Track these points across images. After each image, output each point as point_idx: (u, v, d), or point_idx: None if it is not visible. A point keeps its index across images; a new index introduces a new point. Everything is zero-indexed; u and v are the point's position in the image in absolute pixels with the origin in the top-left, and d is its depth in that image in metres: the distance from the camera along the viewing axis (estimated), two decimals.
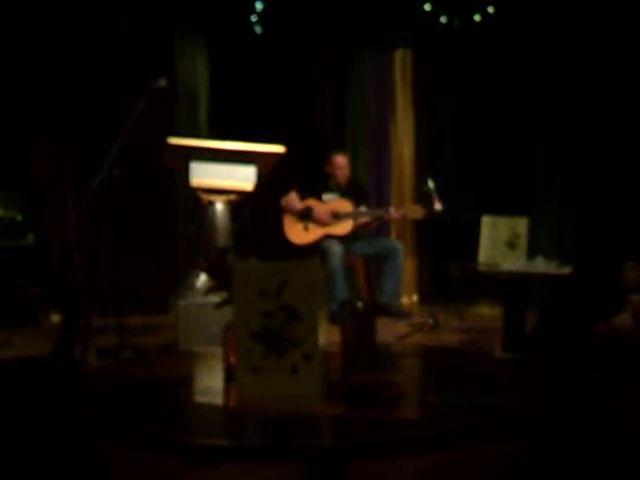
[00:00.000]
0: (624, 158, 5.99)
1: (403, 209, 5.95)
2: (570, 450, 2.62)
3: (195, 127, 6.38)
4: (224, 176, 4.46)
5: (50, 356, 3.48)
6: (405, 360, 2.32)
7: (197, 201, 4.61)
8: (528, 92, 6.44)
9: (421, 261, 7.05)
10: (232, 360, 1.83)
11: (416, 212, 5.81)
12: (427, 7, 6.44)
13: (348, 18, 6.53)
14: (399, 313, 5.74)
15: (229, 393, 1.86)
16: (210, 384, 2.00)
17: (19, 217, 5.78)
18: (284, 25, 6.42)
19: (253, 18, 6.40)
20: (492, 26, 6.47)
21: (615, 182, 6.01)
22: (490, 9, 6.42)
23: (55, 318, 5.72)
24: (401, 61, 7.04)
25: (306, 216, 5.83)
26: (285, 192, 5.89)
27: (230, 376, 1.86)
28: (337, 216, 5.84)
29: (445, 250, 6.04)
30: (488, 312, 5.89)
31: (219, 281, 1.95)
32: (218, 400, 1.86)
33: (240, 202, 4.63)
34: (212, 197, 4.52)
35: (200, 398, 1.90)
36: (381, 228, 6.37)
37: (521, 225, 4.75)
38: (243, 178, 4.46)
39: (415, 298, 6.99)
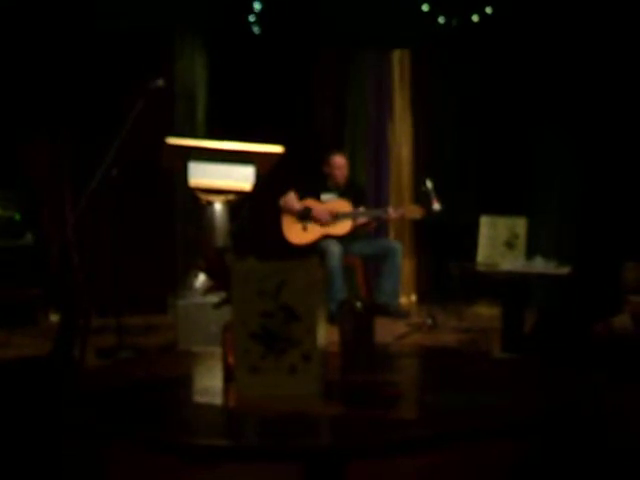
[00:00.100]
0: (624, 158, 5.99)
1: (402, 209, 5.95)
2: (570, 450, 2.62)
3: (193, 127, 6.38)
4: (222, 176, 4.46)
5: (49, 356, 3.48)
6: (404, 360, 2.32)
7: (196, 201, 4.61)
8: (527, 92, 6.44)
9: (420, 261, 7.05)
10: (231, 360, 1.83)
11: (414, 212, 5.81)
12: (425, 7, 6.44)
13: (347, 18, 6.53)
14: (398, 313, 5.75)
15: (228, 393, 1.86)
16: (209, 384, 2.00)
17: (18, 217, 5.78)
18: (283, 25, 6.42)
19: (251, 18, 6.40)
20: (490, 26, 6.47)
21: (615, 182, 6.01)
22: (488, 9, 6.42)
23: (54, 318, 5.71)
24: (399, 61, 7.05)
25: (305, 216, 5.83)
26: (284, 192, 5.89)
27: (229, 376, 1.86)
28: (336, 216, 5.84)
29: (444, 250, 6.04)
30: (487, 312, 5.89)
31: (218, 281, 1.95)
32: (217, 400, 1.86)
33: (239, 202, 4.63)
34: (211, 197, 4.52)
35: (199, 398, 1.91)
36: (380, 228, 6.38)
37: (520, 225, 4.75)
38: (242, 178, 4.46)
39: (414, 298, 6.99)
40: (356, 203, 5.94)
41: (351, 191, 6.03)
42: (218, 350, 1.97)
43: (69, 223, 4.82)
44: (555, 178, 6.51)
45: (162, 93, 4.56)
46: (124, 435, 1.59)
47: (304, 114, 6.82)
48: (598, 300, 4.29)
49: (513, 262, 4.60)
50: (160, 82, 4.43)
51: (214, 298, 1.94)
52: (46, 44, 5.89)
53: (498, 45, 6.51)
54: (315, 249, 5.69)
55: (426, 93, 7.00)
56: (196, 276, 4.51)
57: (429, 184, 5.39)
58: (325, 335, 1.82)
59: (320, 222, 5.81)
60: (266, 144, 4.48)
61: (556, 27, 6.19)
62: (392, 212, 5.86)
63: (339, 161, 6.03)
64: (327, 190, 5.99)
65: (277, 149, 4.49)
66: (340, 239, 5.79)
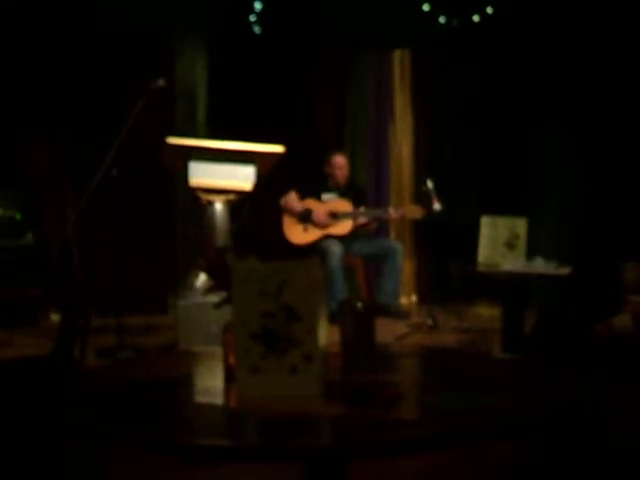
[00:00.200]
0: (624, 158, 5.99)
1: (402, 209, 5.95)
2: (570, 450, 2.62)
3: (194, 127, 6.38)
4: (223, 176, 4.46)
5: (50, 356, 3.48)
6: (404, 360, 2.32)
7: (196, 201, 4.61)
8: (527, 92, 6.44)
9: (420, 261, 7.05)
10: (232, 360, 1.83)
11: (415, 212, 5.82)
12: (426, 7, 6.44)
13: (347, 18, 6.53)
14: (398, 313, 5.75)
15: (229, 393, 1.86)
16: (210, 384, 2.00)
17: (18, 216, 5.78)
18: (283, 25, 6.42)
19: (252, 18, 6.41)
20: (491, 26, 6.47)
21: (615, 182, 6.01)
22: (489, 9, 6.42)
23: (55, 318, 5.72)
24: (399, 61, 7.05)
25: (305, 219, 5.83)
26: (284, 192, 5.89)
27: (230, 376, 1.86)
28: (336, 216, 5.84)
29: (444, 250, 6.04)
30: (487, 312, 5.89)
31: (218, 281, 1.95)
32: (218, 400, 1.86)
33: (239, 202, 4.63)
34: (211, 197, 4.52)
35: (200, 398, 1.91)
36: (380, 228, 6.37)
37: (520, 225, 4.75)
38: (242, 178, 4.46)
39: (414, 298, 6.99)
40: (356, 203, 5.94)
41: (351, 191, 6.04)
42: (219, 350, 1.97)
43: (69, 223, 4.83)
44: (555, 178, 6.51)
45: (162, 93, 4.56)
46: (124, 435, 1.59)
47: (304, 114, 6.81)
48: (598, 300, 4.29)
49: (513, 262, 4.60)
50: (161, 82, 4.43)
51: (215, 298, 1.94)
52: (46, 44, 5.89)
53: (498, 45, 6.51)
54: (316, 249, 5.69)
55: (426, 93, 7.00)
56: (197, 276, 4.51)
57: (429, 184, 5.39)
58: (326, 335, 1.82)
59: (320, 225, 5.81)
60: (267, 144, 4.48)
61: (556, 27, 6.19)
62: (392, 212, 5.86)
63: (339, 161, 6.03)
64: (328, 190, 6.00)
65: (278, 149, 4.50)
66: (341, 239, 5.79)
